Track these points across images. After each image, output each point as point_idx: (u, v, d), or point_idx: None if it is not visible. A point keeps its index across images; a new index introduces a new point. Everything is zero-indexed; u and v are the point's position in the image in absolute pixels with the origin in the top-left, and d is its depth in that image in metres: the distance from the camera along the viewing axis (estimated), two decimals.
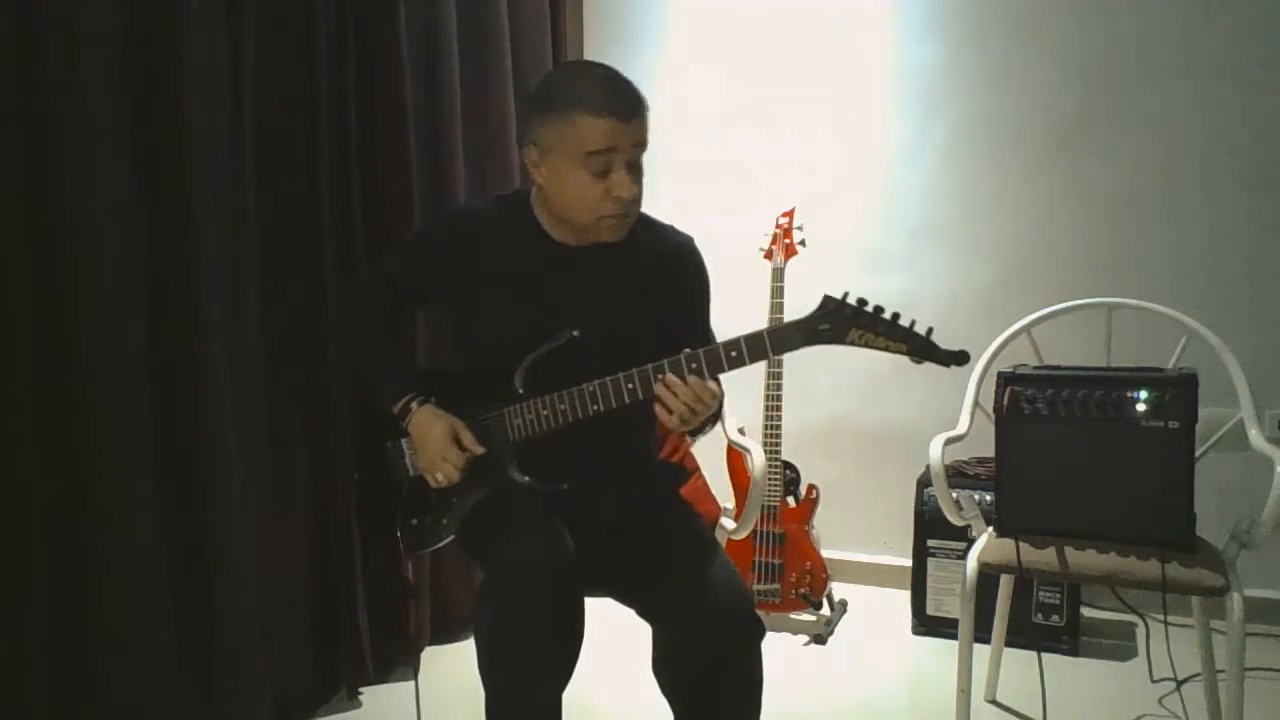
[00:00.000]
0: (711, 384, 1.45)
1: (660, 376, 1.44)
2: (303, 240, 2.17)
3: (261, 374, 2.07)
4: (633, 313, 1.58)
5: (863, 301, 1.39)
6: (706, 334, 1.68)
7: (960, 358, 1.39)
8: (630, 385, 1.47)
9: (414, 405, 1.61)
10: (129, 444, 1.73)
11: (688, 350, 1.44)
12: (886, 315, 1.39)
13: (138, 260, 1.76)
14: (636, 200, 1.51)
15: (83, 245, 1.65)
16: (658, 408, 1.45)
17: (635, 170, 1.49)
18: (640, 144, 1.48)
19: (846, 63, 3.08)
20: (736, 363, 1.43)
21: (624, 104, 1.44)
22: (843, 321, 1.39)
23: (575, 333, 1.54)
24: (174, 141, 1.79)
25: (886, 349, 1.39)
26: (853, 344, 1.39)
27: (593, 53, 3.39)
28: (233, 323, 1.96)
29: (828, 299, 1.40)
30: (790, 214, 2.82)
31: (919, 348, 1.38)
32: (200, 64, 1.83)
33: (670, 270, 1.64)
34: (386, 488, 1.71)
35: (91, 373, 1.67)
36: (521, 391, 1.55)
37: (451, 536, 1.67)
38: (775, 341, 1.41)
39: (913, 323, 1.39)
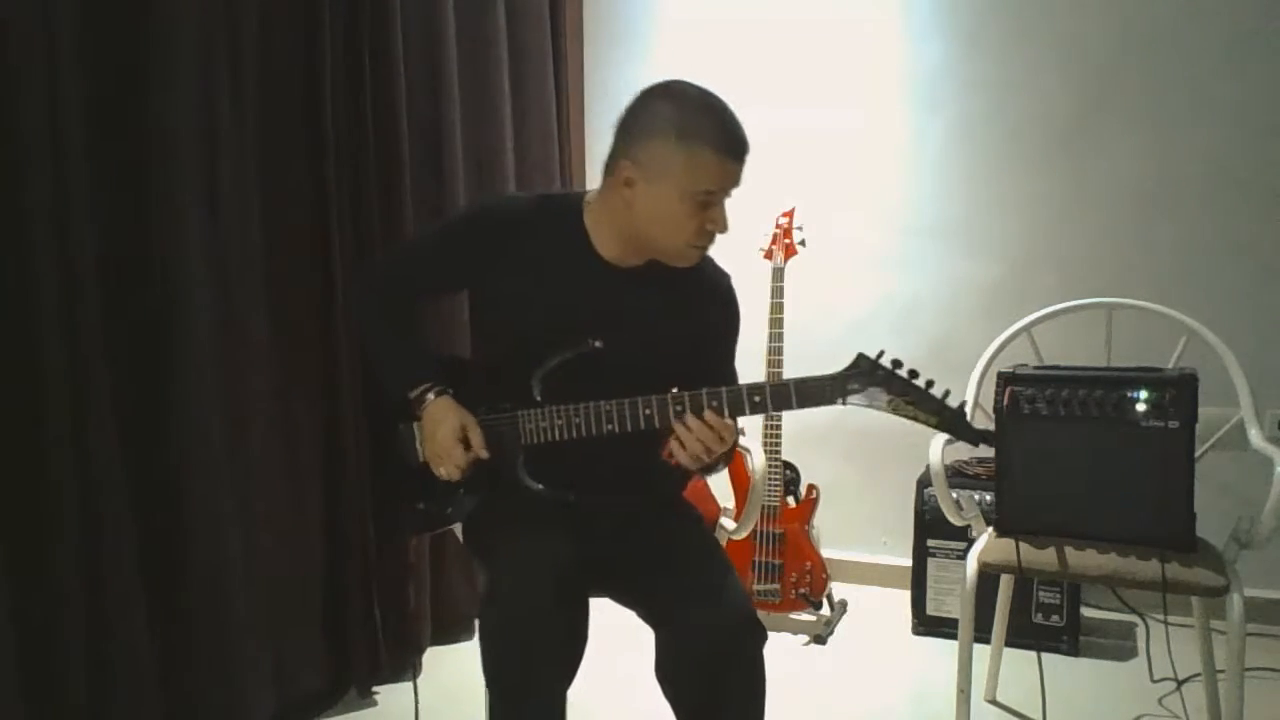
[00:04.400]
0: (729, 423, 1.45)
1: (679, 410, 1.44)
2: (304, 238, 2.18)
3: (265, 372, 2.08)
4: (659, 336, 1.57)
5: (897, 364, 1.38)
6: (729, 371, 1.67)
7: (988, 438, 1.40)
8: (648, 411, 1.46)
9: (430, 395, 1.60)
10: (112, 434, 1.72)
11: (710, 389, 1.44)
12: (920, 382, 1.38)
13: (119, 246, 1.76)
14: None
15: (67, 230, 1.65)
16: (672, 442, 1.45)
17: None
18: (739, 184, 1.51)
19: (848, 63, 3.08)
20: (759, 408, 1.43)
21: (743, 146, 1.47)
22: (874, 384, 1.38)
23: (598, 344, 1.53)
24: (161, 129, 1.81)
25: (915, 419, 1.38)
26: (880, 408, 1.38)
27: (592, 52, 3.39)
28: (229, 311, 1.96)
29: (862, 357, 1.40)
30: (790, 214, 2.82)
31: (949, 423, 1.38)
32: (190, 58, 1.84)
33: (704, 303, 1.62)
34: (396, 468, 1.70)
35: (71, 363, 1.66)
36: (538, 398, 1.55)
37: (455, 524, 1.67)
38: (801, 394, 1.41)
39: (946, 394, 1.38)
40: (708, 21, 3.22)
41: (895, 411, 1.38)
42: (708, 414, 1.43)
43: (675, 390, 1.45)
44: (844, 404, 1.39)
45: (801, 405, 1.40)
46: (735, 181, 1.49)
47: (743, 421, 2.52)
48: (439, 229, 1.70)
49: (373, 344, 1.70)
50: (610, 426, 1.49)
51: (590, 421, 1.50)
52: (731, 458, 1.61)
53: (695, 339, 1.60)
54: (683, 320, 1.58)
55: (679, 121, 1.45)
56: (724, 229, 1.50)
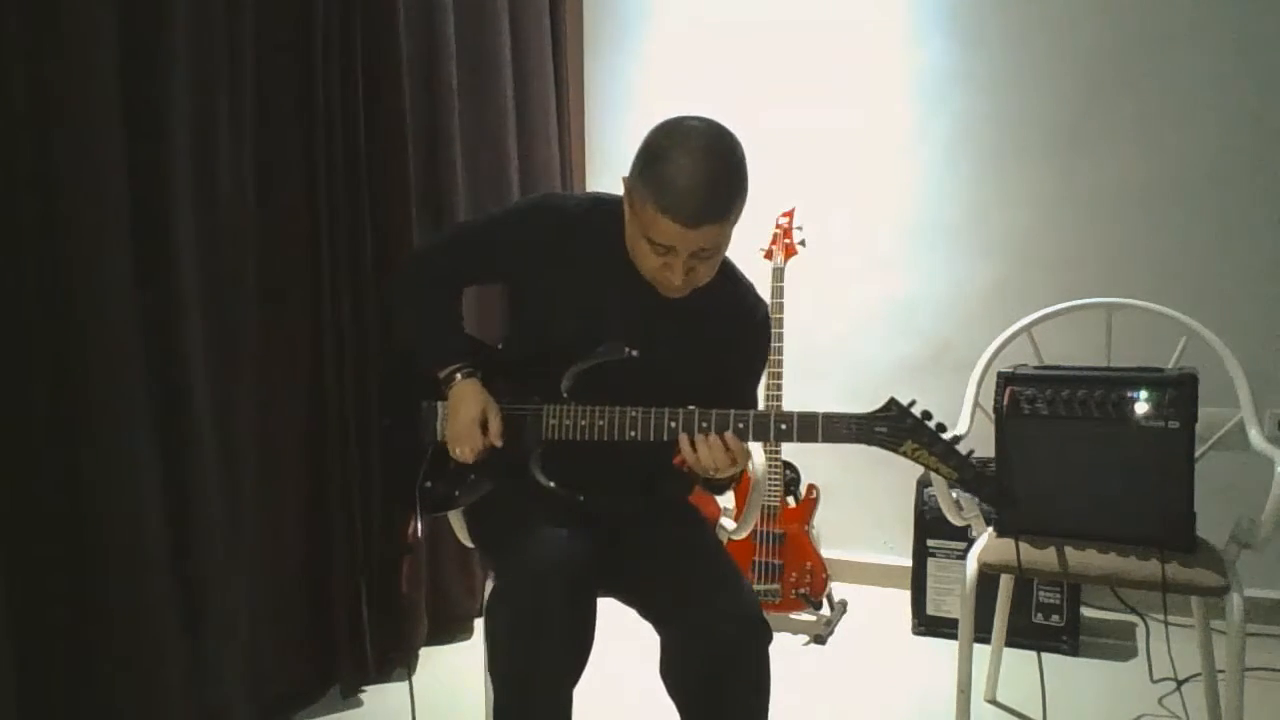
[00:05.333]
0: (747, 449, 1.47)
1: (704, 427, 1.45)
2: (301, 238, 2.18)
3: (253, 371, 2.07)
4: (692, 352, 1.58)
5: (927, 415, 1.40)
6: (750, 395, 1.69)
7: (1004, 501, 1.49)
8: (673, 424, 1.48)
9: (459, 376, 1.62)
10: (103, 430, 1.72)
11: (738, 411, 1.45)
12: (946, 435, 1.40)
13: (121, 248, 1.75)
14: (692, 283, 1.48)
15: (74, 240, 1.66)
16: (683, 448, 1.47)
17: (698, 260, 1.44)
18: (706, 249, 1.42)
19: (848, 62, 3.08)
20: (784, 436, 1.44)
21: (696, 212, 1.36)
22: (902, 431, 1.40)
23: (634, 352, 1.53)
24: (157, 128, 1.80)
25: (936, 470, 1.41)
26: (904, 455, 1.40)
27: (593, 51, 3.40)
28: (219, 304, 1.96)
29: (893, 402, 1.41)
30: (790, 214, 2.82)
31: (969, 480, 1.40)
32: (188, 61, 1.84)
33: (738, 327, 1.63)
34: (413, 444, 1.71)
35: (66, 358, 1.66)
36: (566, 396, 1.56)
37: (459, 509, 1.68)
38: (828, 429, 1.42)
39: (971, 452, 1.40)
40: (708, 22, 3.22)
41: (918, 459, 1.40)
42: (728, 436, 1.44)
43: (692, 407, 1.47)
44: (868, 445, 1.41)
45: (827, 439, 1.42)
46: (692, 244, 1.40)
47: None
48: (493, 219, 1.71)
49: (413, 320, 1.71)
50: (633, 433, 1.51)
51: (614, 425, 1.52)
52: (739, 480, 1.64)
53: (721, 360, 1.60)
54: (711, 340, 1.59)
55: (649, 162, 1.40)
56: (677, 281, 1.44)
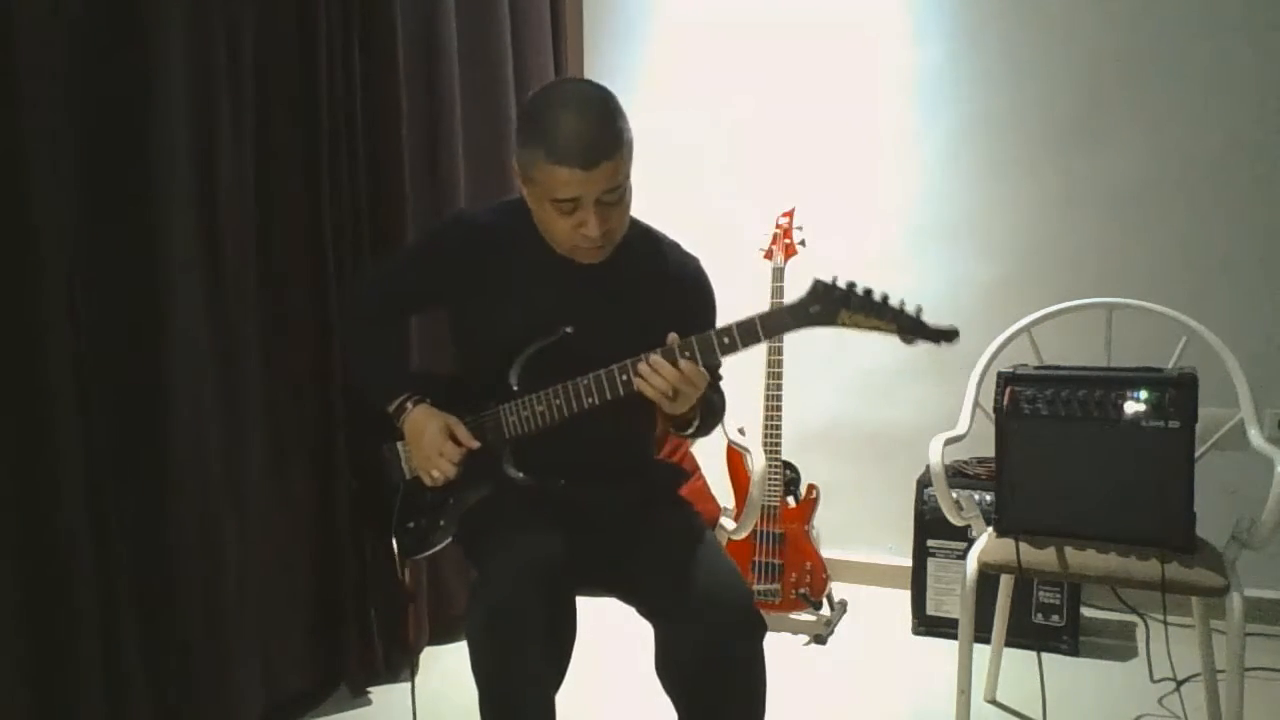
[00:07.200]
0: (698, 367, 1.45)
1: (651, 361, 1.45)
2: (301, 242, 2.18)
3: (259, 372, 2.07)
4: (629, 318, 1.58)
5: (852, 285, 1.41)
6: None
7: (950, 335, 1.42)
8: (625, 377, 1.48)
9: (409, 405, 1.62)
10: (108, 437, 1.73)
11: (675, 335, 1.45)
12: (876, 296, 1.40)
13: (111, 259, 1.75)
14: (610, 234, 1.48)
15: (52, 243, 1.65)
16: (641, 385, 1.45)
17: (607, 207, 1.45)
18: (611, 188, 1.43)
19: (847, 63, 3.08)
20: (729, 349, 1.44)
21: (588, 153, 1.38)
22: (832, 304, 1.41)
23: (569, 329, 1.54)
24: (157, 130, 1.80)
25: (876, 328, 1.41)
26: (843, 325, 1.41)
27: (593, 52, 3.39)
28: (224, 315, 1.96)
29: (818, 282, 1.42)
30: (790, 214, 2.82)
31: (908, 326, 1.40)
32: (188, 61, 1.84)
33: (670, 290, 1.63)
34: (383, 491, 1.71)
35: (70, 367, 1.66)
36: (516, 388, 1.56)
37: (449, 539, 1.67)
38: (766, 325, 1.43)
39: (901, 302, 1.41)
40: (709, 21, 3.22)
41: (856, 325, 1.41)
42: (682, 362, 1.44)
43: (641, 355, 1.46)
44: (809, 327, 1.43)
45: (769, 335, 1.44)
46: (594, 187, 1.41)
47: (744, 420, 2.53)
48: (409, 250, 1.77)
49: (355, 362, 1.75)
50: (591, 400, 1.50)
51: (570, 399, 1.51)
52: (715, 425, 1.66)
53: (667, 324, 1.58)
54: (650, 307, 1.59)
55: (528, 126, 1.45)
56: (593, 233, 1.45)
